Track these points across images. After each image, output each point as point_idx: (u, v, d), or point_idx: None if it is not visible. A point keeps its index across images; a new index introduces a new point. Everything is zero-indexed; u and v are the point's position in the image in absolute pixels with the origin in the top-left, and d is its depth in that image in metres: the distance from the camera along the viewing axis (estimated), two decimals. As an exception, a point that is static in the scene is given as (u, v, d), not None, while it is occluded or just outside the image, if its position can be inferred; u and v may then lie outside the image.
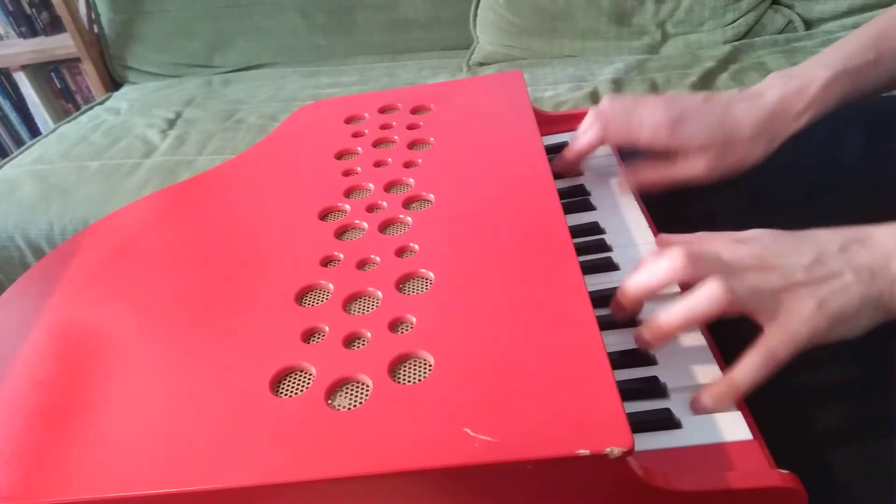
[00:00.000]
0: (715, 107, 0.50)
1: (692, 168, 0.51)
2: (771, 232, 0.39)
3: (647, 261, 0.40)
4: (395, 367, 0.35)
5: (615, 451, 0.29)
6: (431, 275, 0.41)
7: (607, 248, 0.49)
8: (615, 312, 0.42)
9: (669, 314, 0.38)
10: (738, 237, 0.39)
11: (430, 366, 0.35)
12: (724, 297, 0.35)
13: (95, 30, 1.54)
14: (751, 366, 0.36)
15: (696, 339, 0.41)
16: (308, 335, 0.38)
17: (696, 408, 0.37)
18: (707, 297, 0.36)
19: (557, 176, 0.56)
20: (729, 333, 0.41)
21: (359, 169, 0.54)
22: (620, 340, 0.41)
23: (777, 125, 0.49)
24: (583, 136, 0.55)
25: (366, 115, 0.63)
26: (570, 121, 0.67)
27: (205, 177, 0.58)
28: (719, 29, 1.15)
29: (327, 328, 0.38)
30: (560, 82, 1.12)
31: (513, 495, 0.32)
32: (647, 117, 0.51)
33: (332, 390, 0.35)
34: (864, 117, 0.58)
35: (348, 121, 0.63)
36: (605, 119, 0.54)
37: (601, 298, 0.44)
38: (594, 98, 1.03)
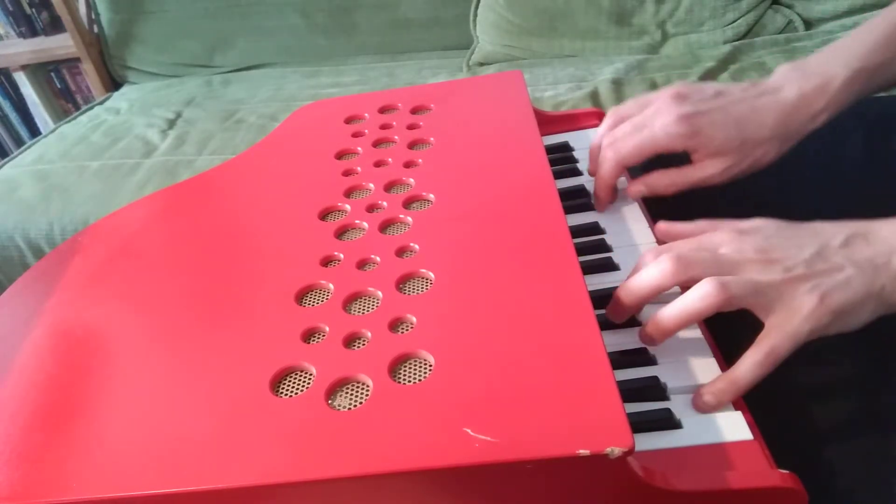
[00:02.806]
0: (730, 104, 0.48)
1: (707, 171, 0.49)
2: (774, 222, 0.39)
3: (642, 263, 0.40)
4: (396, 367, 0.35)
5: (615, 451, 0.29)
6: (431, 275, 0.41)
7: (607, 249, 0.49)
8: (612, 316, 0.42)
9: (666, 313, 0.38)
10: (740, 228, 0.39)
11: (430, 366, 0.35)
12: (717, 296, 0.35)
13: (95, 30, 1.54)
14: (752, 363, 0.36)
15: (696, 339, 0.41)
16: (308, 335, 0.38)
17: (698, 405, 0.37)
18: (700, 296, 0.36)
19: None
20: (730, 332, 0.41)
21: (359, 169, 0.54)
22: (620, 340, 0.41)
23: (795, 125, 0.48)
24: (601, 169, 0.52)
25: (366, 115, 0.63)
26: (570, 121, 0.68)
27: (205, 177, 0.58)
28: (719, 29, 1.15)
29: (327, 328, 0.38)
30: (560, 82, 1.12)
31: (513, 495, 0.32)
32: (658, 122, 0.48)
33: (333, 390, 0.35)
34: (864, 117, 0.58)
35: (348, 121, 0.63)
36: (614, 141, 0.51)
37: (601, 298, 0.44)
38: (594, 98, 1.03)
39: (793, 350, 0.36)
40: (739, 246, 0.38)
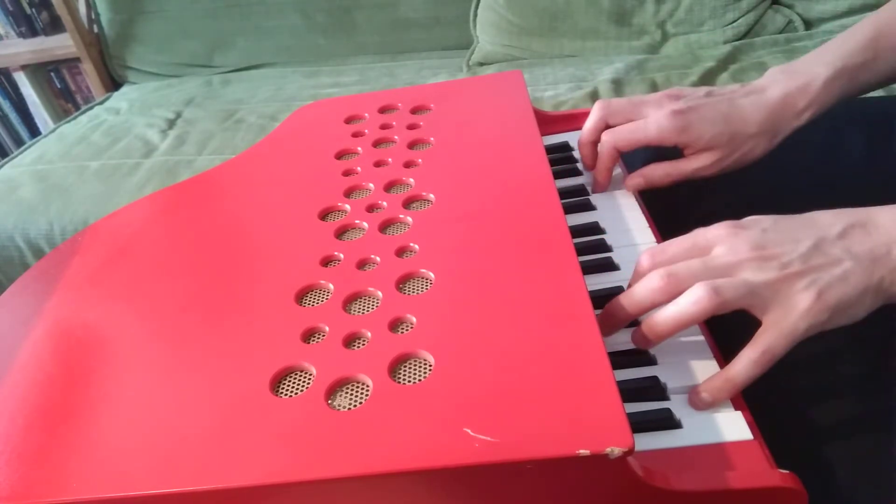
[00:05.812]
0: (719, 102, 0.51)
1: (699, 163, 0.52)
2: (771, 217, 0.39)
3: (636, 272, 0.40)
4: (395, 367, 0.35)
5: (615, 451, 0.29)
6: (431, 275, 0.41)
7: (607, 248, 0.49)
8: (603, 329, 0.41)
9: (661, 317, 0.37)
10: (736, 224, 0.39)
11: (430, 366, 0.35)
12: (710, 301, 0.35)
13: (95, 30, 1.54)
14: (748, 361, 0.36)
15: (696, 339, 0.41)
16: (308, 335, 0.38)
17: (695, 403, 0.37)
18: (692, 301, 0.36)
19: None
20: (730, 331, 0.41)
21: (359, 169, 0.54)
22: (620, 340, 0.41)
23: (780, 122, 0.50)
24: (601, 153, 0.55)
25: (366, 114, 0.63)
26: (570, 121, 0.68)
27: (205, 177, 0.58)
28: (719, 29, 1.15)
29: (327, 328, 0.38)
30: (560, 82, 1.12)
31: (513, 495, 0.32)
32: (652, 116, 0.51)
33: (333, 390, 0.35)
34: (864, 117, 0.58)
35: (348, 121, 0.63)
36: (609, 111, 0.54)
37: (601, 298, 0.44)
38: (594, 98, 1.03)
39: (789, 348, 0.36)
40: (734, 243, 0.38)
